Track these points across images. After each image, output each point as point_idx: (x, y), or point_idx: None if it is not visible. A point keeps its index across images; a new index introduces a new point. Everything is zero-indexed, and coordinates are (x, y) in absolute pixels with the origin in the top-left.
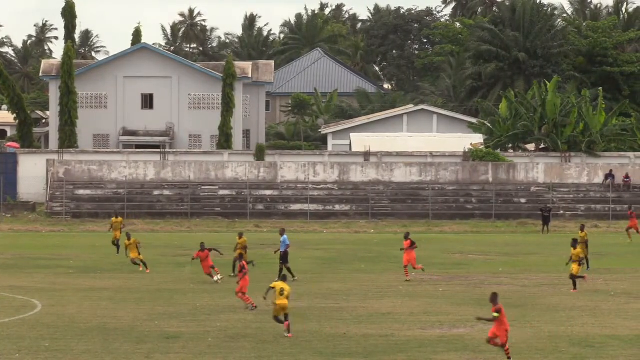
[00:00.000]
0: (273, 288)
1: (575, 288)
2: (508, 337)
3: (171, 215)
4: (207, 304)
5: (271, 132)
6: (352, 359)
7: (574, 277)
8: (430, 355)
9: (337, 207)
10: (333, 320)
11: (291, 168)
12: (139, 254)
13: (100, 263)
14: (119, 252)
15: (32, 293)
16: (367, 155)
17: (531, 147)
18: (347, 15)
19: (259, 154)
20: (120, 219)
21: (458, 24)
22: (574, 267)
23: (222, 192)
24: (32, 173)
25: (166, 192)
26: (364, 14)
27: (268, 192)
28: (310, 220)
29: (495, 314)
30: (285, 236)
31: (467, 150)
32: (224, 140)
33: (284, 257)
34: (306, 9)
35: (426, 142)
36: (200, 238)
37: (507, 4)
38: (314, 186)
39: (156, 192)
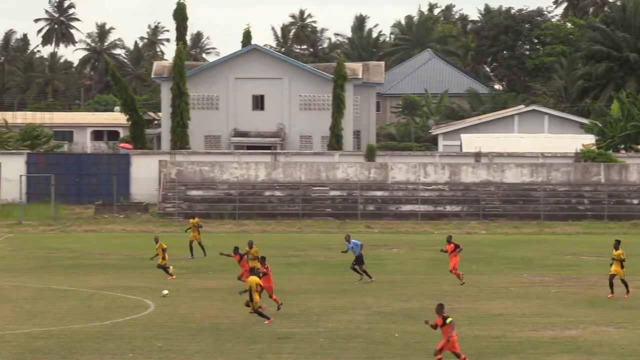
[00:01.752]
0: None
1: (612, 293)
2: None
3: (282, 216)
4: (318, 304)
5: (382, 133)
6: None
7: (612, 281)
8: (542, 357)
9: (448, 208)
10: None
11: (402, 169)
12: (164, 259)
13: (212, 263)
14: (206, 254)
15: (145, 293)
16: (478, 156)
17: None
18: (457, 16)
19: (370, 155)
20: (197, 219)
21: (569, 24)
22: (615, 269)
23: (332, 193)
24: (145, 174)
25: (277, 193)
26: (474, 15)
27: (379, 193)
28: (421, 221)
29: (450, 319)
30: (354, 241)
31: (578, 151)
32: (335, 141)
33: (359, 260)
34: (419, 10)
35: (537, 142)
36: (311, 239)
37: (619, 4)
38: (425, 187)
39: (267, 193)
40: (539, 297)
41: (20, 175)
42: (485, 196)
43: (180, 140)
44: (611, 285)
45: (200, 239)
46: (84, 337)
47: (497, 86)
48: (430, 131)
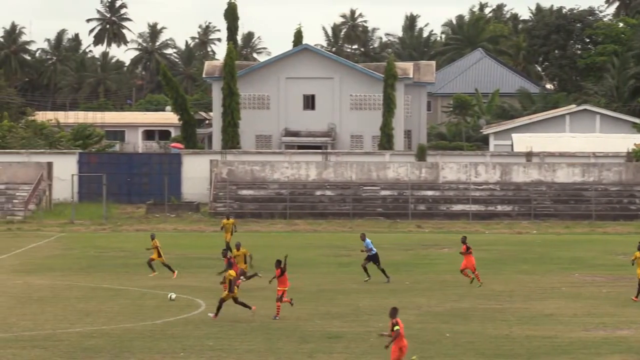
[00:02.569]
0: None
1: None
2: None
3: (333, 215)
4: (369, 304)
5: (432, 133)
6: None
7: None
8: (593, 357)
9: (499, 207)
10: (496, 321)
11: (452, 168)
12: (157, 256)
13: (263, 263)
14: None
15: (196, 292)
16: (529, 155)
17: None
18: (508, 15)
19: (421, 155)
20: (231, 220)
21: (621, 24)
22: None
23: (383, 193)
24: (196, 173)
25: (328, 193)
26: (525, 14)
27: (429, 193)
28: (472, 220)
29: (397, 327)
30: (368, 240)
31: (630, 150)
32: (386, 141)
33: (375, 258)
34: (471, 10)
35: (589, 142)
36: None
37: None
38: (476, 187)
39: (318, 193)
40: (591, 297)
41: (72, 175)
42: (536, 196)
43: (231, 140)
44: None
45: (229, 238)
46: (135, 336)
47: (548, 86)
48: (481, 131)
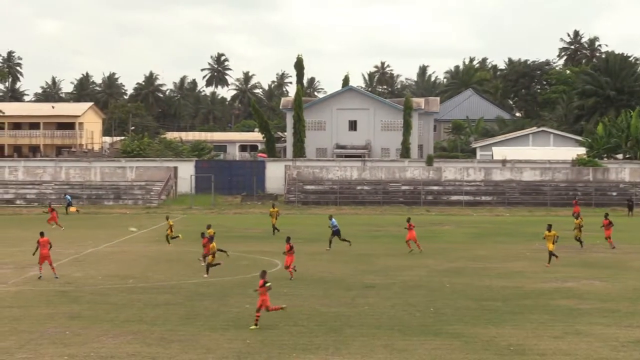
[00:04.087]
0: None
1: (549, 263)
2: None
3: (369, 203)
4: (394, 263)
5: (437, 146)
6: (494, 302)
7: None
8: (549, 301)
9: (483, 198)
10: (480, 276)
11: (451, 171)
12: (171, 232)
13: (321, 236)
14: (275, 234)
15: (274, 256)
16: (504, 162)
17: (620, 156)
18: (490, 65)
19: (429, 161)
20: (277, 209)
21: (568, 71)
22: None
23: (403, 187)
24: (275, 174)
25: (365, 187)
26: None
27: (435, 187)
28: (465, 207)
29: (268, 284)
30: (333, 220)
31: (574, 158)
32: (405, 152)
33: (337, 233)
34: (464, 62)
35: (546, 153)
36: (388, 219)
37: (603, 57)
38: (467, 183)
39: (358, 187)
40: (546, 259)
41: (191, 175)
42: (509, 190)
43: (299, 151)
44: None
45: (275, 223)
46: (233, 286)
47: (517, 114)
48: (471, 145)
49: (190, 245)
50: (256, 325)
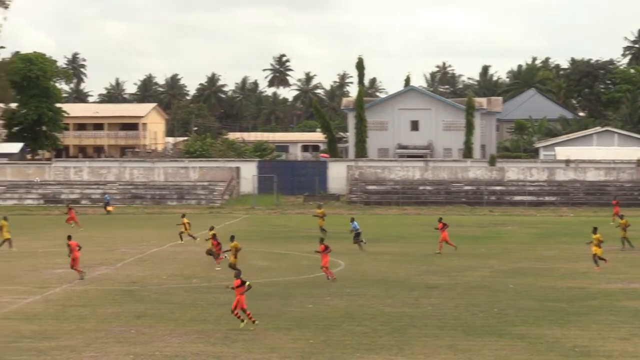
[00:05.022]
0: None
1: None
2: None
3: (431, 203)
4: (456, 264)
5: (500, 146)
6: (558, 303)
7: None
8: (614, 302)
9: (547, 198)
10: (545, 277)
11: (514, 171)
12: (186, 229)
13: (384, 235)
14: (324, 235)
15: (337, 256)
16: (567, 162)
17: None
18: (552, 65)
19: (492, 161)
20: (323, 210)
21: (632, 70)
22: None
23: (466, 188)
24: (337, 174)
25: (428, 187)
26: (565, 64)
27: (498, 188)
28: (528, 207)
29: (247, 284)
30: (355, 223)
31: (639, 158)
32: (467, 152)
33: (356, 236)
34: (526, 62)
35: (610, 153)
36: (451, 219)
37: None
38: (530, 184)
39: (421, 187)
40: (611, 260)
41: (253, 175)
42: (572, 190)
43: (361, 152)
44: None
45: (323, 224)
46: (296, 286)
47: (581, 113)
48: (533, 145)
49: (252, 245)
50: (243, 321)
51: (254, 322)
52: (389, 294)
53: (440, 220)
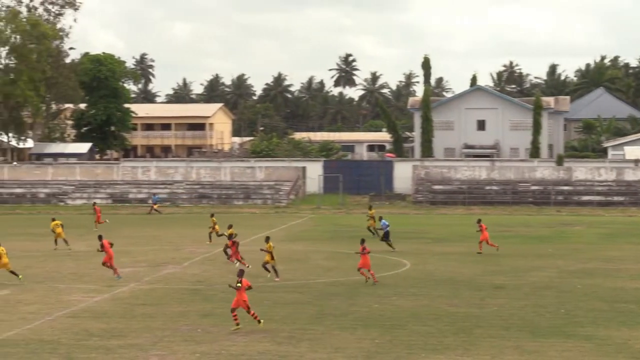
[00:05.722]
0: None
1: None
2: (248, 306)
3: (498, 203)
4: (523, 264)
5: (567, 146)
6: (627, 304)
7: None
8: None
9: (615, 198)
10: (613, 277)
11: (582, 171)
12: (214, 230)
13: (450, 236)
14: (375, 235)
15: (403, 255)
16: (637, 162)
17: None
18: (621, 64)
19: (559, 161)
20: (373, 211)
21: None
22: None
23: (533, 188)
24: (403, 174)
25: (494, 187)
26: (634, 62)
27: (565, 188)
28: (596, 207)
29: (239, 285)
30: (384, 220)
31: None
32: (534, 152)
33: (386, 235)
34: (595, 61)
35: None
36: (518, 220)
37: None
38: (599, 183)
39: (487, 187)
40: None
41: (319, 175)
42: None
43: (427, 151)
44: None
45: (374, 225)
46: (361, 285)
47: None
48: (602, 144)
49: (318, 245)
50: (238, 324)
51: (259, 322)
52: (455, 294)
53: (479, 221)
